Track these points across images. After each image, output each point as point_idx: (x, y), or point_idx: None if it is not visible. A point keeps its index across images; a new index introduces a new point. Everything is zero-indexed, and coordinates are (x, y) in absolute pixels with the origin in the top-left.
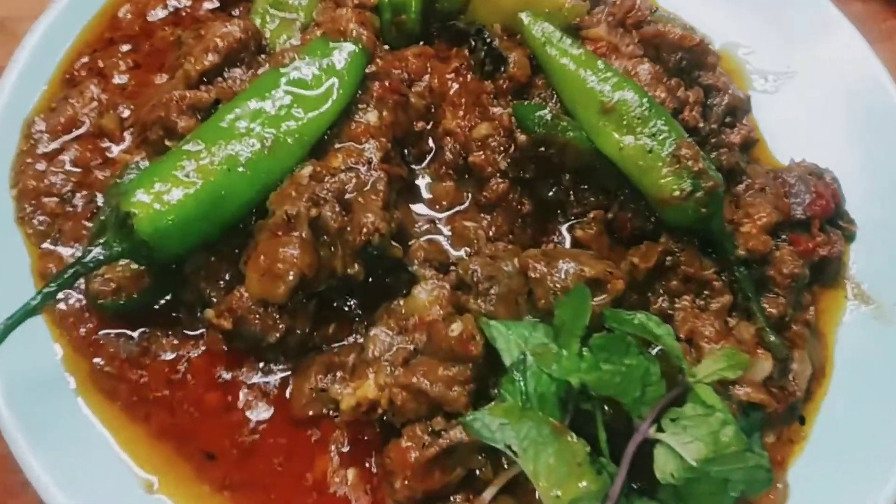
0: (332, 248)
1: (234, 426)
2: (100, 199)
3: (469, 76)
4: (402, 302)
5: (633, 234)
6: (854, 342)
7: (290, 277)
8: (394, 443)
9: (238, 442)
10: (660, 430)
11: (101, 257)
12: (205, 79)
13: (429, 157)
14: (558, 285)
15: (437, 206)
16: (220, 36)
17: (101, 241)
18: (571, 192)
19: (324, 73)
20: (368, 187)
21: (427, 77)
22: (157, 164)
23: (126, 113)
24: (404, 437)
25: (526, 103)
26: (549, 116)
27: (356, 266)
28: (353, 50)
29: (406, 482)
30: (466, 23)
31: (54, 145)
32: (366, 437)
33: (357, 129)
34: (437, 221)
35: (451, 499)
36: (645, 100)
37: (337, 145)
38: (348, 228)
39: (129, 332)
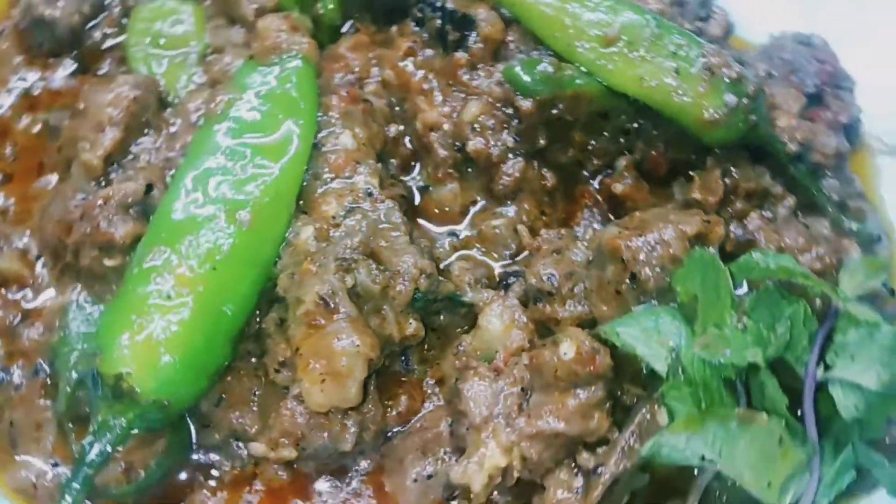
0: (381, 313)
1: None
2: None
3: (427, 53)
4: (470, 340)
5: (670, 168)
6: None
7: (359, 373)
8: (541, 498)
9: None
10: (827, 369)
11: (109, 447)
12: (112, 164)
13: (417, 164)
14: (665, 258)
15: (449, 216)
16: (110, 103)
17: (98, 425)
18: (590, 147)
19: (273, 106)
20: (384, 223)
21: (377, 71)
22: (122, 297)
23: (22, 243)
24: (551, 489)
25: (518, 63)
26: (550, 69)
27: (412, 322)
28: (298, 66)
29: None
30: None
31: None
32: None
33: (337, 160)
34: (457, 233)
35: None
36: (648, 16)
37: (321, 188)
38: (392, 283)
39: None
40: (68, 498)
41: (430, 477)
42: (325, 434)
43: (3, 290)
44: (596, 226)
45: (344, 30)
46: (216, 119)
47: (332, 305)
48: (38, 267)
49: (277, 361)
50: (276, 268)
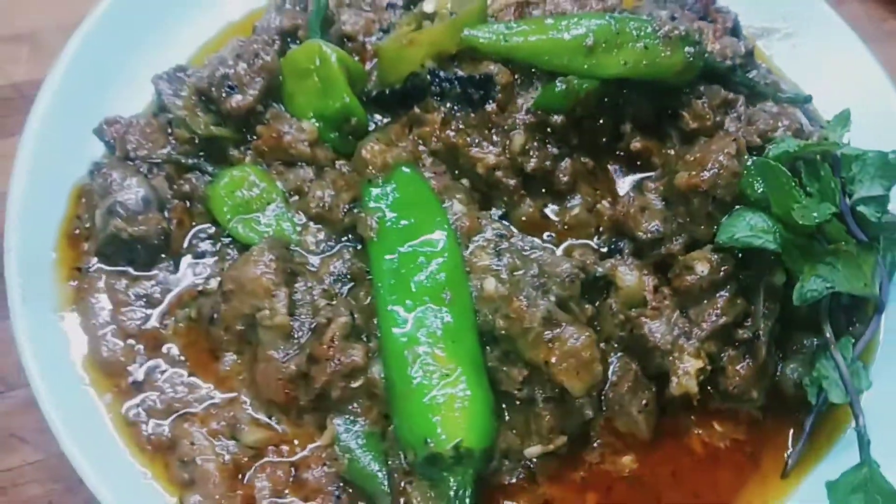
0: (573, 310)
1: None
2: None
3: (461, 115)
4: (615, 300)
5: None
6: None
7: (597, 354)
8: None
9: None
10: (850, 197)
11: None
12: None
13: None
14: (727, 176)
15: (537, 225)
16: (262, 272)
17: (456, 487)
18: (598, 126)
19: (412, 209)
20: (526, 251)
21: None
22: (406, 396)
23: (248, 415)
24: (728, 368)
25: (540, 91)
26: (563, 86)
27: (587, 307)
28: (410, 172)
29: None
30: (399, 79)
31: None
32: None
33: (464, 224)
34: (552, 234)
35: None
36: (606, 17)
37: (468, 250)
38: (571, 286)
39: None
40: None
41: (646, 404)
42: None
43: (266, 458)
44: (629, 179)
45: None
46: (381, 239)
47: (554, 321)
48: (275, 424)
49: (518, 382)
50: (478, 318)
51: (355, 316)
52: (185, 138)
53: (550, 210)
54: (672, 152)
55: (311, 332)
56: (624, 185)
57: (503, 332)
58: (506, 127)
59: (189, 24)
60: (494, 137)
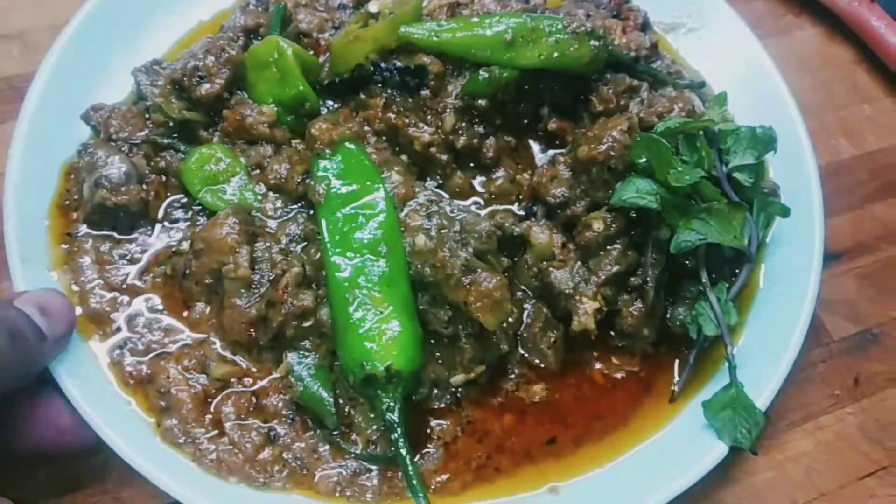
0: (489, 259)
1: None
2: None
3: (399, 100)
4: (530, 256)
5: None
6: None
7: (508, 294)
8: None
9: None
10: (726, 165)
11: (398, 417)
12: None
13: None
14: (619, 148)
15: (465, 194)
16: (227, 233)
17: (386, 403)
18: (520, 110)
19: (356, 177)
20: (452, 213)
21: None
22: (347, 330)
23: (216, 353)
24: (623, 309)
25: (466, 80)
26: (486, 74)
27: (503, 259)
28: (354, 147)
29: None
30: (347, 70)
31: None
32: None
33: (400, 191)
34: (479, 202)
35: None
36: (524, 16)
37: (403, 212)
38: (488, 241)
39: None
40: (411, 470)
41: (555, 341)
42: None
43: (231, 388)
44: (547, 154)
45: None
46: (326, 203)
47: (471, 268)
48: (240, 361)
49: (444, 321)
50: (410, 271)
51: (306, 268)
52: (160, 122)
53: (478, 182)
54: (583, 131)
55: (270, 283)
56: (543, 160)
57: (430, 279)
58: (438, 110)
59: (164, 24)
60: (429, 119)
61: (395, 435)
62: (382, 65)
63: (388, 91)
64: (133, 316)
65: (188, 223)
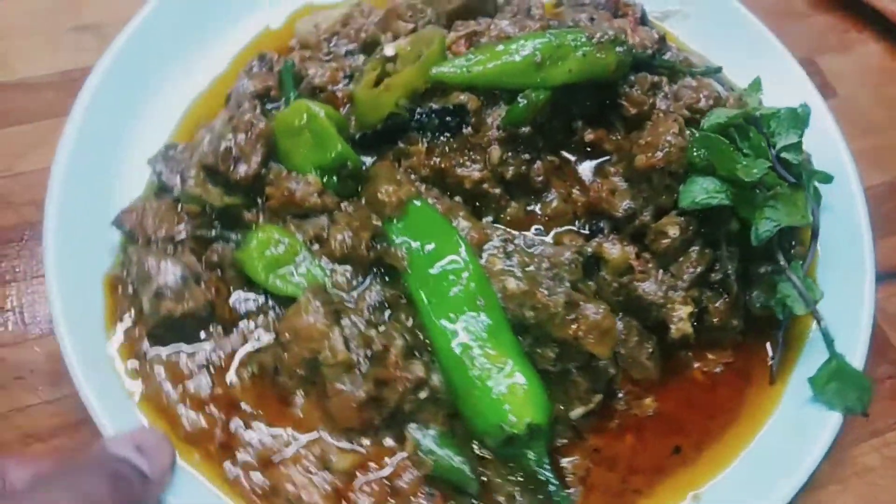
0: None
1: None
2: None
3: (441, 142)
4: (607, 272)
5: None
6: None
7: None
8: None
9: None
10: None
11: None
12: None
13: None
14: (675, 152)
15: (522, 223)
16: (314, 320)
17: (535, 459)
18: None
19: (433, 236)
20: (528, 248)
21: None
22: (476, 395)
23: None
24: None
25: (507, 110)
26: (524, 101)
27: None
28: (419, 205)
29: None
30: (379, 120)
31: None
32: None
33: (473, 237)
34: (539, 228)
35: None
36: (547, 35)
37: (484, 259)
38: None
39: None
40: None
41: (652, 351)
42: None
43: (359, 478)
44: (586, 166)
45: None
46: (414, 268)
47: (573, 302)
48: (359, 448)
49: (552, 360)
50: (507, 314)
51: (406, 337)
52: (195, 212)
53: (532, 207)
54: (618, 137)
55: (370, 360)
56: (584, 171)
57: (532, 321)
58: (482, 144)
59: (165, 100)
60: (474, 156)
61: (554, 487)
62: (419, 110)
63: (429, 135)
64: (233, 428)
65: (260, 315)
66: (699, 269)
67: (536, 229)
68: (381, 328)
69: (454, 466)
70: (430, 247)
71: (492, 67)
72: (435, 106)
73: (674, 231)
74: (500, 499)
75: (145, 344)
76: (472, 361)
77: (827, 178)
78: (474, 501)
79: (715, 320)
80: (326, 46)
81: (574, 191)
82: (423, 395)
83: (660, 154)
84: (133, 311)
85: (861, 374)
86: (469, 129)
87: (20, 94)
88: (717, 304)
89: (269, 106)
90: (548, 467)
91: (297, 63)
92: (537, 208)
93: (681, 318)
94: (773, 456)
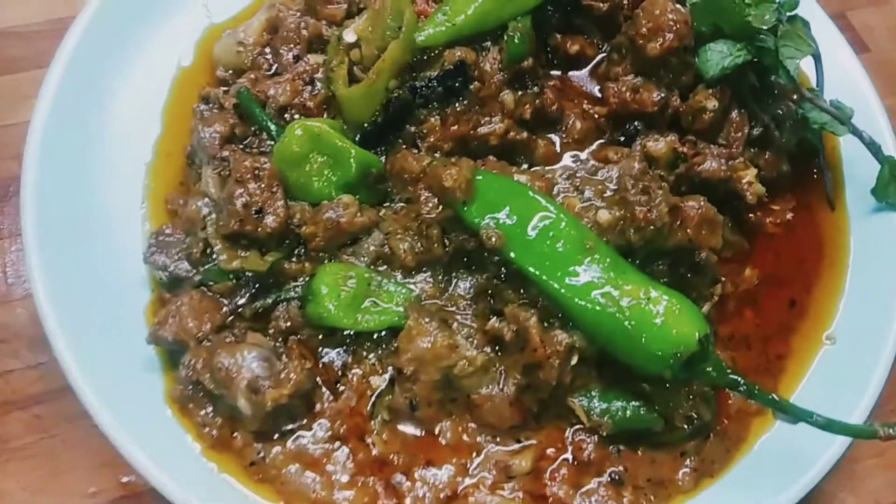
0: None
1: None
2: None
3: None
4: (658, 172)
5: None
6: None
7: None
8: None
9: None
10: None
11: None
12: None
13: None
14: (683, 28)
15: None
16: (428, 334)
17: (712, 371)
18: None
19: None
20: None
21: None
22: (635, 328)
23: None
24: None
25: (506, 49)
26: (517, 34)
27: None
28: (481, 178)
29: None
30: (376, 111)
31: None
32: None
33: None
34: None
35: None
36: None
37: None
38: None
39: None
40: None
41: (731, 225)
42: None
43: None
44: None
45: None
46: (511, 241)
47: (672, 205)
48: (528, 441)
49: (665, 271)
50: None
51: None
52: (229, 288)
53: (557, 137)
54: (597, 40)
55: (504, 351)
56: (584, 83)
57: (640, 242)
58: (492, 94)
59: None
60: (487, 109)
61: (745, 386)
62: (418, 84)
63: (436, 106)
64: (400, 484)
65: (362, 362)
66: (746, 130)
67: (573, 157)
68: (497, 318)
69: (633, 415)
70: (512, 215)
71: (472, 12)
72: (434, 74)
73: (712, 103)
74: (681, 424)
75: (256, 447)
76: (617, 306)
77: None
78: (661, 436)
79: (769, 172)
80: (266, 61)
81: (585, 105)
82: (574, 360)
83: (670, 35)
84: (219, 420)
85: None
86: (476, 83)
87: (10, 42)
88: (766, 157)
89: (238, 147)
90: (731, 369)
91: (249, 88)
92: (563, 137)
93: (750, 182)
94: (876, 272)
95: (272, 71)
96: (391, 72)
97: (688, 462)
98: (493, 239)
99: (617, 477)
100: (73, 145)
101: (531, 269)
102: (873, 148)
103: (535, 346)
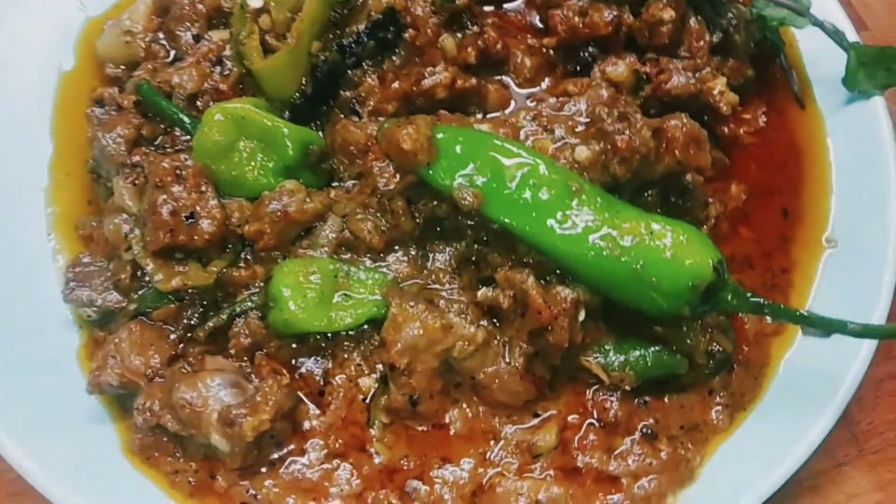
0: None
1: None
2: None
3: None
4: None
5: None
6: None
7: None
8: None
9: None
10: None
11: None
12: None
13: None
14: None
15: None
16: (418, 319)
17: (730, 298)
18: None
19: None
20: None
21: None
22: (644, 267)
23: None
24: None
25: None
26: None
27: None
28: (443, 135)
29: None
30: (302, 80)
31: None
32: None
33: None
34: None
35: None
36: None
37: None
38: None
39: None
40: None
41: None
42: None
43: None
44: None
45: None
46: (489, 198)
47: (653, 128)
48: (546, 414)
49: (657, 201)
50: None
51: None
52: (172, 312)
53: (510, 80)
54: None
55: (504, 321)
56: (519, 14)
57: (627, 174)
58: (430, 41)
59: None
60: (427, 59)
61: (767, 302)
62: (345, 42)
63: (371, 64)
64: (410, 490)
65: (337, 366)
66: (707, 39)
67: (529, 96)
68: (489, 287)
69: (654, 361)
70: (483, 171)
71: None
72: (361, 27)
73: (668, 14)
74: (703, 361)
75: (244, 485)
76: (619, 248)
77: None
78: (687, 376)
79: (734, 78)
80: (162, 48)
81: (530, 40)
82: (581, 315)
83: None
84: (193, 464)
85: (884, 48)
86: (409, 31)
87: None
88: (730, 64)
89: (152, 148)
90: (751, 292)
91: (149, 80)
92: (513, 79)
93: (721, 92)
94: (860, 163)
95: (171, 57)
96: (312, 33)
97: (718, 399)
98: (470, 199)
99: (649, 431)
100: None
101: (517, 225)
102: (837, 37)
103: (538, 308)
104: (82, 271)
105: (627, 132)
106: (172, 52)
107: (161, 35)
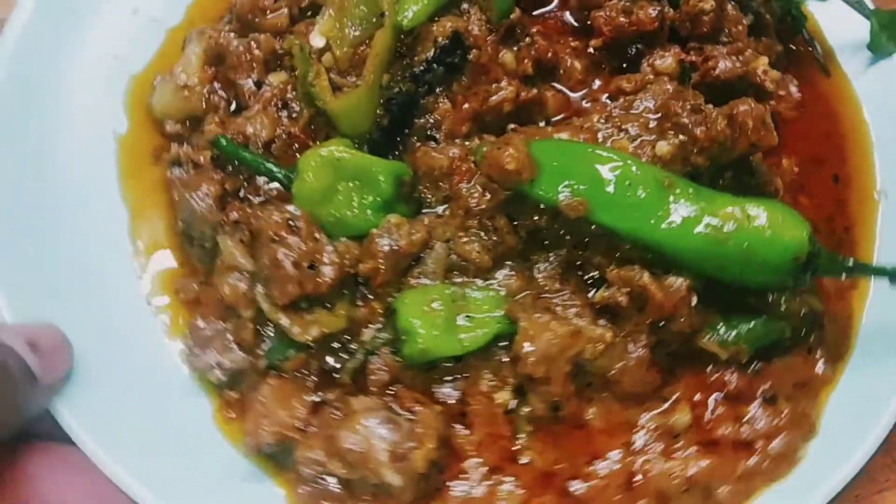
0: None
1: None
2: None
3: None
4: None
5: None
6: None
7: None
8: None
9: None
10: None
11: None
12: None
13: None
14: None
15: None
16: (551, 327)
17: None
18: None
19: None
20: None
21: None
22: (749, 247)
23: None
24: None
25: (495, 7)
26: None
27: None
28: (542, 148)
29: None
30: (377, 112)
31: None
32: None
33: None
34: None
35: None
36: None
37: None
38: None
39: None
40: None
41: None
42: None
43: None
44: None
45: None
46: (596, 207)
47: (727, 115)
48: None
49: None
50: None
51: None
52: (302, 361)
53: (560, 85)
54: None
55: (623, 318)
56: (554, 18)
57: (706, 162)
58: (492, 58)
59: None
60: (490, 77)
61: (862, 265)
62: (416, 71)
63: (441, 89)
64: (574, 490)
65: (469, 385)
66: (747, 21)
67: (584, 98)
68: (601, 287)
69: (762, 330)
70: (584, 175)
71: None
72: (430, 54)
73: (710, 3)
74: (798, 323)
75: None
76: (724, 234)
77: None
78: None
79: (770, 58)
80: (222, 98)
81: (571, 42)
82: (694, 301)
83: None
84: None
85: None
86: (475, 51)
87: None
88: (763, 42)
89: (235, 202)
90: (840, 255)
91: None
92: (564, 83)
93: (765, 70)
94: (893, 117)
95: (234, 107)
96: (383, 66)
97: (818, 355)
98: (578, 208)
99: (770, 395)
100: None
101: (623, 226)
102: (859, 6)
103: (658, 301)
104: (200, 336)
105: (704, 123)
106: (234, 102)
107: (218, 85)
